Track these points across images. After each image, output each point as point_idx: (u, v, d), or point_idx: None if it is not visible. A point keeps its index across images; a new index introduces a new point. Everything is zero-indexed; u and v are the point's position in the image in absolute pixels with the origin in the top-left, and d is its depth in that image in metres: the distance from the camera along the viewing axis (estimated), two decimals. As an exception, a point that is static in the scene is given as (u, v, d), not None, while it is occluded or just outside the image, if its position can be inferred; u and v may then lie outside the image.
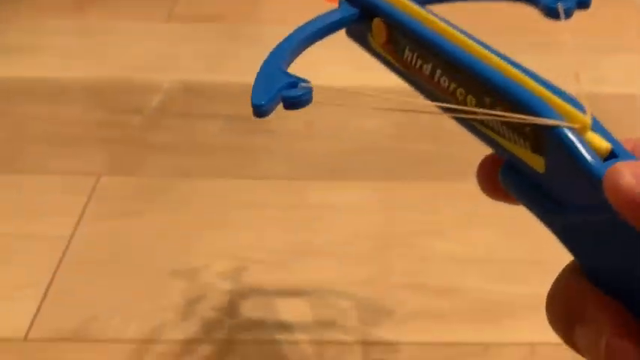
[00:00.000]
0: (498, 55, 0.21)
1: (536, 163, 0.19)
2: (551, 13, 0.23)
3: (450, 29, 0.22)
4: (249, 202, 0.50)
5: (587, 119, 0.18)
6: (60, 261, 0.44)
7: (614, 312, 0.17)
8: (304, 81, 0.20)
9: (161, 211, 0.49)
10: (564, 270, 0.20)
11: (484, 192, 0.22)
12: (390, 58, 0.24)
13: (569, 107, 0.19)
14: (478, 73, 0.20)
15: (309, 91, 0.20)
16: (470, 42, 0.21)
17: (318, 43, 0.24)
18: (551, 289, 0.20)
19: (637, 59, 0.72)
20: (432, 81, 0.22)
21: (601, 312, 0.17)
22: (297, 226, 0.47)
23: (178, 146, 0.55)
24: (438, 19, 0.22)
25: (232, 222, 0.48)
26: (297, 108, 0.20)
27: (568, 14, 0.23)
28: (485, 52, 0.21)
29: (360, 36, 0.25)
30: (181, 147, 0.55)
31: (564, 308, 0.19)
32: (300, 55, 0.23)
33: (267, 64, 0.21)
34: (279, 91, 0.20)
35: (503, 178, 0.21)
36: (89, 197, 0.49)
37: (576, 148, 0.18)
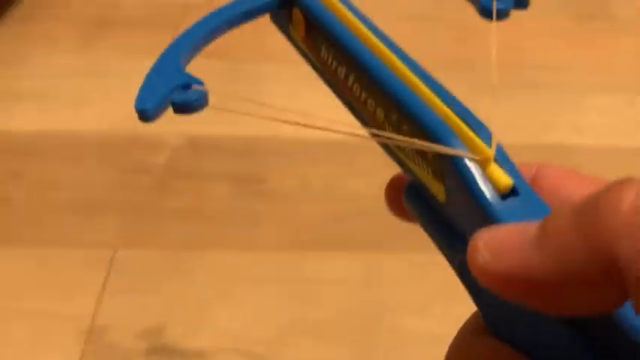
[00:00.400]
0: (416, 69, 0.19)
1: (438, 190, 0.18)
2: (486, 13, 0.21)
3: (369, 34, 0.20)
4: (249, 276, 0.55)
5: (491, 151, 0.17)
6: (85, 342, 0.50)
7: None
8: (199, 82, 0.18)
9: (169, 286, 0.54)
10: (463, 331, 0.18)
11: (391, 212, 0.21)
12: (309, 53, 0.22)
13: (473, 136, 0.17)
14: (387, 87, 0.19)
15: (202, 95, 0.18)
16: (388, 52, 0.20)
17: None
18: (449, 353, 0.18)
19: (622, 100, 0.74)
20: (346, 86, 0.21)
21: None
22: (290, 303, 0.53)
23: (186, 213, 0.60)
24: (358, 20, 0.20)
25: (234, 297, 0.54)
26: (188, 113, 0.18)
27: (504, 14, 0.21)
28: (401, 65, 0.19)
29: (284, 25, 0.23)
30: (189, 214, 0.60)
31: None
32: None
33: (162, 58, 0.19)
34: (169, 93, 0.18)
35: (406, 200, 0.20)
36: (108, 272, 0.55)
37: (474, 182, 0.17)
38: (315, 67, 0.22)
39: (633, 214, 0.13)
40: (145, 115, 0.18)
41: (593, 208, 0.14)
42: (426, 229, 0.19)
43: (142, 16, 0.83)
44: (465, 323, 0.18)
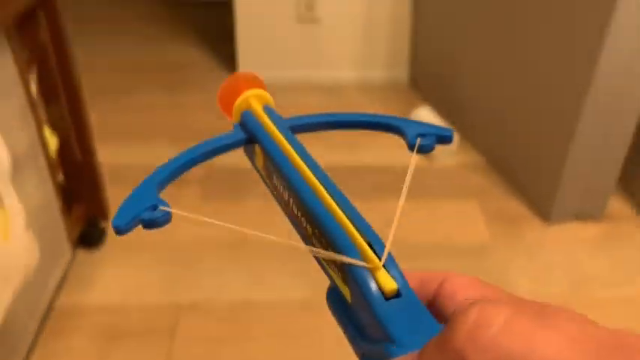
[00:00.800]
0: (335, 195, 0.24)
1: (346, 292, 0.23)
2: (412, 148, 0.27)
3: (307, 171, 0.25)
4: None
5: (379, 262, 0.22)
6: None
7: None
8: (165, 204, 0.23)
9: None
10: None
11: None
12: (266, 179, 0.28)
13: (367, 248, 0.22)
14: (311, 209, 0.24)
15: (166, 214, 0.23)
16: (317, 184, 0.25)
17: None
18: None
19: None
20: (289, 206, 0.26)
21: None
22: None
23: None
24: (301, 158, 0.26)
25: None
26: (153, 228, 0.23)
27: (428, 150, 0.27)
28: (322, 188, 0.24)
29: (251, 155, 0.29)
30: None
31: None
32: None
33: (140, 186, 0.24)
34: (140, 213, 0.23)
35: (327, 299, 0.24)
36: None
37: (363, 285, 0.21)
38: (269, 190, 0.28)
39: (474, 328, 0.18)
40: (119, 229, 0.23)
41: (449, 329, 0.18)
42: (340, 325, 0.24)
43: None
44: None
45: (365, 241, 0.23)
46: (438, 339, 0.19)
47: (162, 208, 0.23)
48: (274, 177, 0.27)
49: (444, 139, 0.28)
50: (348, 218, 0.23)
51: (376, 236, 0.23)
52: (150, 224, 0.23)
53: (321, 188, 0.25)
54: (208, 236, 1.39)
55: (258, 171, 0.29)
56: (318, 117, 0.30)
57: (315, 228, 0.24)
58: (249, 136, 0.28)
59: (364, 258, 0.22)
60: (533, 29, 1.49)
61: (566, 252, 1.44)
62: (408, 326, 0.20)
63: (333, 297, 0.24)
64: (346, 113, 0.30)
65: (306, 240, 0.25)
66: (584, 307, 1.26)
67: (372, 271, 0.22)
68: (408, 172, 0.25)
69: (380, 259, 0.22)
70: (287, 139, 0.27)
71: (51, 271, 1.19)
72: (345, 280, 0.23)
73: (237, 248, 1.38)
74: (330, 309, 0.24)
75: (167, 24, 2.67)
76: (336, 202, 0.24)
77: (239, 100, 0.29)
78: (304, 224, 0.25)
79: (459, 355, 0.18)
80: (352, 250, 0.22)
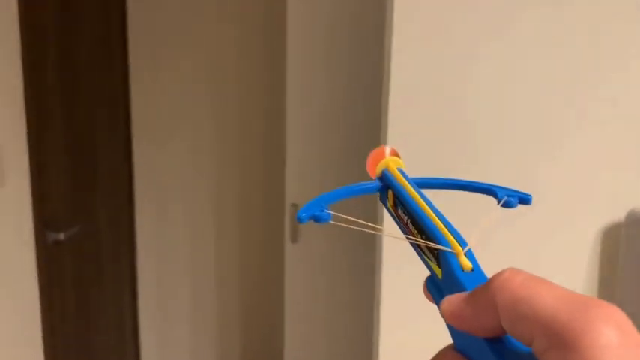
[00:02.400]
0: (434, 209, 0.38)
1: (439, 272, 0.35)
2: (500, 203, 0.40)
3: (420, 200, 0.39)
4: None
5: (462, 250, 0.34)
6: None
7: None
8: (329, 212, 0.38)
9: None
10: (446, 347, 0.33)
11: (425, 296, 0.36)
12: (393, 212, 0.41)
13: (456, 242, 0.35)
14: (420, 220, 0.37)
15: (329, 215, 0.38)
16: (425, 206, 0.38)
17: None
18: (434, 357, 0.33)
19: None
20: (406, 226, 0.39)
21: None
22: None
23: None
24: (420, 198, 0.39)
25: None
26: (320, 222, 0.38)
27: (512, 205, 0.40)
28: (429, 210, 0.38)
29: (384, 199, 0.43)
30: None
31: None
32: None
33: (317, 199, 0.39)
34: (313, 213, 0.38)
35: (425, 286, 0.36)
36: None
37: (453, 263, 0.34)
38: (395, 220, 0.41)
39: (503, 280, 0.29)
40: (299, 217, 0.38)
41: (490, 280, 0.30)
42: (434, 298, 0.35)
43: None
44: (446, 346, 0.33)
45: (455, 240, 0.36)
46: (483, 285, 0.30)
47: (326, 212, 0.38)
48: (399, 209, 0.41)
49: (525, 200, 0.41)
50: (444, 226, 0.36)
51: (461, 236, 0.36)
52: (316, 219, 0.38)
53: (428, 209, 0.38)
54: None
55: (387, 208, 0.43)
56: (434, 179, 0.44)
57: (423, 234, 0.37)
58: (385, 185, 0.43)
59: (453, 247, 0.35)
60: None
61: None
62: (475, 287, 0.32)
63: (429, 282, 0.36)
64: (453, 178, 0.44)
65: (414, 245, 0.38)
66: None
67: (458, 255, 0.35)
68: (489, 217, 0.40)
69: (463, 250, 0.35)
70: (410, 185, 0.41)
71: None
72: (439, 264, 0.35)
73: None
74: (428, 291, 0.36)
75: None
76: (436, 217, 0.37)
77: (381, 163, 0.43)
78: (415, 235, 0.38)
79: (492, 295, 0.29)
80: (447, 244, 0.35)
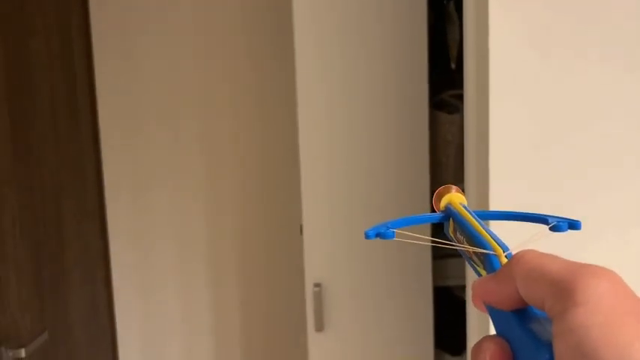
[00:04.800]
0: (482, 224, 0.44)
1: (484, 273, 0.41)
2: (551, 229, 0.45)
3: (473, 221, 0.45)
4: None
5: (503, 253, 0.39)
6: None
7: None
8: (393, 230, 0.45)
9: None
10: (485, 335, 0.37)
11: (475, 305, 0.39)
12: (453, 236, 0.48)
13: (497, 247, 0.40)
14: (468, 232, 0.44)
15: (393, 233, 0.44)
16: (477, 225, 0.44)
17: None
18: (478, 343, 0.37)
19: None
20: (463, 244, 0.45)
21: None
22: None
23: None
24: (473, 219, 0.45)
25: None
26: (385, 239, 0.44)
27: (561, 230, 0.45)
28: (478, 225, 0.44)
29: (446, 227, 0.49)
30: None
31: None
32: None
33: (384, 222, 0.45)
34: (379, 231, 0.44)
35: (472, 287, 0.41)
36: None
37: (495, 263, 0.39)
38: (455, 245, 0.47)
39: (520, 256, 0.35)
40: (367, 235, 0.44)
41: (513, 258, 0.36)
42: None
43: None
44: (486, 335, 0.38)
45: (498, 245, 0.41)
46: (504, 264, 0.37)
47: (391, 229, 0.44)
48: (457, 232, 0.46)
49: (574, 225, 0.44)
50: (490, 236, 0.41)
51: (502, 242, 0.40)
52: (383, 235, 0.44)
53: (477, 225, 0.44)
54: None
55: (448, 235, 0.48)
56: (489, 212, 0.54)
57: (472, 244, 0.42)
58: (447, 215, 0.48)
59: (495, 251, 0.40)
60: None
61: None
62: None
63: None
64: (506, 210, 0.51)
65: (467, 257, 0.44)
66: None
67: (499, 257, 0.39)
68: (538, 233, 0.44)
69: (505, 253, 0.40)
70: (466, 211, 0.47)
71: None
72: (484, 265, 0.40)
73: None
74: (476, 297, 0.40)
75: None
76: (484, 229, 0.43)
77: (445, 197, 0.49)
78: (463, 239, 0.44)
79: (510, 269, 0.35)
80: (489, 247, 0.40)
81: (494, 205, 1.08)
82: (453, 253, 2.03)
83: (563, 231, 0.44)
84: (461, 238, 0.45)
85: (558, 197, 1.09)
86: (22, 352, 1.56)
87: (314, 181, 1.71)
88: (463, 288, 2.09)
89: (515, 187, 1.09)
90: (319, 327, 1.73)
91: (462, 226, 0.45)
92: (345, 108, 1.70)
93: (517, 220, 0.48)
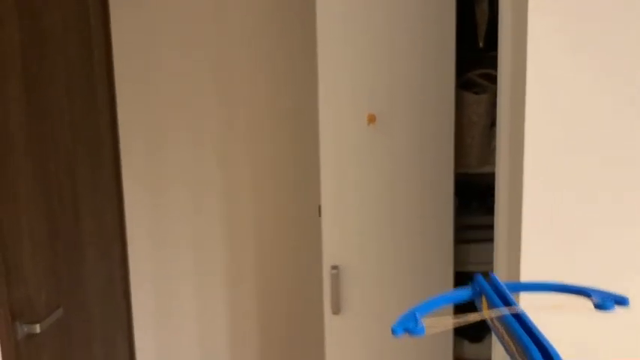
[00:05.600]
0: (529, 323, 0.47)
1: None
2: (597, 307, 0.45)
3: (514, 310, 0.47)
4: None
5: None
6: None
7: None
8: (423, 326, 0.45)
9: None
10: None
11: None
12: (486, 315, 0.49)
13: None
14: (510, 327, 0.45)
15: (422, 329, 0.45)
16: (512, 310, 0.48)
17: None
18: None
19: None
20: (498, 329, 0.46)
21: None
22: None
23: None
24: (512, 305, 0.47)
25: None
26: (413, 335, 0.45)
27: (609, 308, 0.44)
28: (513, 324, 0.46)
29: (479, 304, 0.50)
30: None
31: None
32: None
33: (410, 312, 0.46)
34: (407, 327, 0.45)
35: None
36: None
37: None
38: (490, 326, 0.49)
39: None
40: (394, 332, 0.46)
41: None
42: None
43: None
44: None
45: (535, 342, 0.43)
46: None
47: (420, 325, 0.44)
48: (494, 319, 0.46)
49: (622, 301, 0.43)
50: (537, 336, 0.44)
51: (549, 344, 0.41)
52: (411, 332, 0.43)
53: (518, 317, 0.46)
54: None
55: (480, 312, 0.48)
56: (526, 284, 0.51)
57: (510, 336, 0.45)
58: (479, 291, 0.50)
59: None
60: None
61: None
62: None
63: None
64: (545, 282, 0.49)
65: (501, 340, 0.46)
66: None
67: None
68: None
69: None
70: (501, 289, 0.47)
71: None
72: None
73: None
74: None
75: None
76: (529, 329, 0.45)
77: None
78: (505, 337, 0.45)
79: None
80: (536, 352, 0.42)
81: (528, 205, 1.03)
82: (475, 239, 1.98)
83: (609, 309, 0.44)
84: (499, 325, 0.45)
85: (592, 195, 1.04)
86: (37, 328, 1.55)
87: (334, 160, 1.66)
88: (485, 275, 2.02)
89: (549, 185, 1.03)
90: (336, 310, 1.70)
91: (508, 325, 0.45)
92: (368, 87, 1.64)
93: (557, 292, 0.48)
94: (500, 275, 1.25)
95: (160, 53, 2.12)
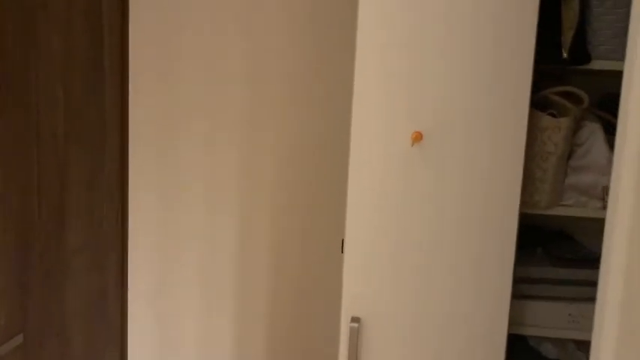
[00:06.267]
0: None
1: None
2: None
3: None
4: None
5: None
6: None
7: None
8: None
9: None
10: None
11: None
12: None
13: None
14: None
15: None
16: None
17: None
18: None
19: None
20: None
21: None
22: None
23: None
24: None
25: None
26: None
27: None
28: None
29: None
30: None
31: None
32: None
33: None
34: None
35: None
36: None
37: None
38: None
39: None
40: None
41: None
42: None
43: None
44: None
45: None
46: None
47: None
48: None
49: None
50: None
51: None
52: None
53: None
54: None
55: None
56: None
57: None
58: None
59: None
60: None
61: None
62: None
63: None
64: None
65: None
66: None
67: None
68: None
69: None
70: None
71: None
72: None
73: None
74: None
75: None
76: None
77: None
78: None
79: None
80: None
81: None
82: (534, 295, 1.61)
83: None
84: None
85: None
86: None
87: (365, 185, 1.33)
88: (540, 340, 1.68)
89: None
90: (354, 370, 1.37)
91: None
92: (414, 98, 1.30)
93: None
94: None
95: (181, 44, 1.84)
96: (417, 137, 1.28)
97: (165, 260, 1.95)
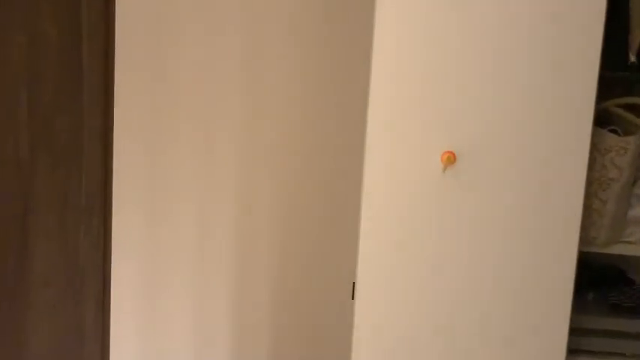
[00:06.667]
0: None
1: None
2: None
3: None
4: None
5: None
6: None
7: None
8: None
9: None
10: None
11: None
12: None
13: None
14: None
15: None
16: None
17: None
18: None
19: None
20: None
21: None
22: None
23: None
24: None
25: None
26: None
27: None
28: None
29: None
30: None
31: None
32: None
33: None
34: None
35: None
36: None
37: None
38: None
39: None
40: None
41: None
42: None
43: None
44: None
45: None
46: None
47: None
48: None
49: None
50: None
51: None
52: None
53: None
54: None
55: None
56: None
57: None
58: None
59: None
60: None
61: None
62: None
63: None
64: None
65: None
66: None
67: None
68: None
69: None
70: None
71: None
72: None
73: None
74: None
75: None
76: None
77: None
78: None
79: None
80: None
81: None
82: (588, 350, 1.35)
83: None
84: None
85: None
86: None
87: (383, 217, 1.08)
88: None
89: None
90: None
91: None
92: (445, 112, 1.05)
93: None
94: None
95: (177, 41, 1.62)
96: (450, 159, 1.02)
97: (153, 289, 1.72)
